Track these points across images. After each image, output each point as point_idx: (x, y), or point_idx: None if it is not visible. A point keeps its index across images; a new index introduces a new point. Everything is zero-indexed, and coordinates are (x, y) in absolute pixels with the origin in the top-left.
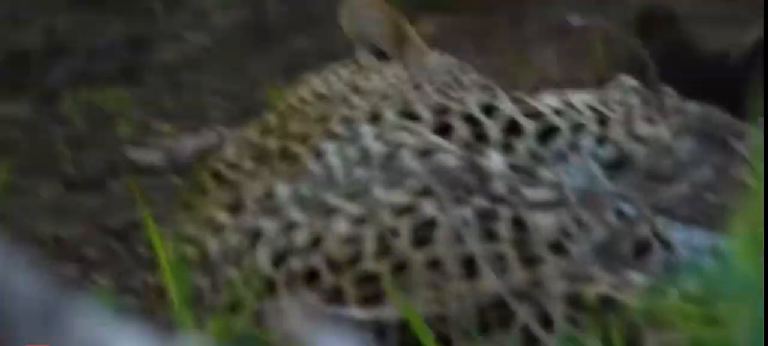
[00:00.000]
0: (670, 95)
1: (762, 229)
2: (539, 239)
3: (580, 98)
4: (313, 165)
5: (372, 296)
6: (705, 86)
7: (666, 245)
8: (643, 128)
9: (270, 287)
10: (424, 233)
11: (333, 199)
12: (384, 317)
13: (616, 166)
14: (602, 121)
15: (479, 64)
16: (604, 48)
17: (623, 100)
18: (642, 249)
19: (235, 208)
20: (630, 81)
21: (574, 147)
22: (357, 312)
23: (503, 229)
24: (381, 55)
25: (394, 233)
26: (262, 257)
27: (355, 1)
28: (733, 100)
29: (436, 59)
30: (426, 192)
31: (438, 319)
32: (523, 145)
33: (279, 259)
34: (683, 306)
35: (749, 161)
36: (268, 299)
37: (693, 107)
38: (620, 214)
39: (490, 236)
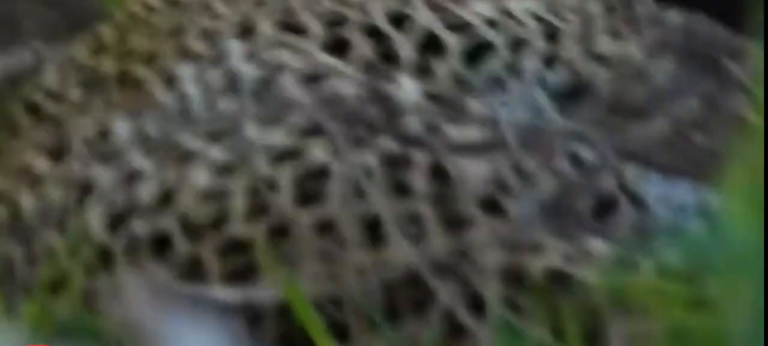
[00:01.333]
0: (644, 1)
1: (764, 180)
2: (467, 194)
3: (522, 5)
4: (162, 94)
5: (242, 271)
6: None
7: (637, 201)
8: (606, 45)
9: (105, 259)
10: (312, 186)
11: (190, 140)
12: (258, 299)
13: (571, 95)
14: (551, 35)
15: None
16: None
17: (579, 6)
18: (605, 207)
19: (58, 152)
20: None
21: (514, 70)
22: (221, 292)
23: (418, 180)
24: None
25: (272, 185)
26: (94, 217)
27: None
28: (727, 8)
29: None
30: (314, 131)
31: (330, 301)
32: (445, 68)
33: (117, 221)
34: (660, 284)
35: (749, 90)
36: (101, 275)
37: (674, 17)
38: (576, 160)
39: (402, 190)
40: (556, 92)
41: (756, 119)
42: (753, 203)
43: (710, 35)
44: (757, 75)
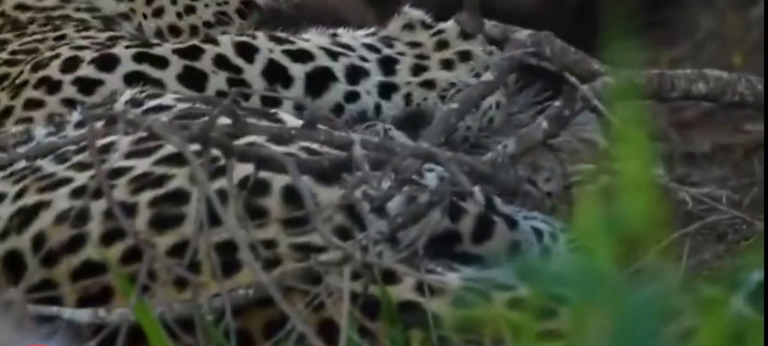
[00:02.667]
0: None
1: (619, 206)
2: (317, 219)
3: (355, 36)
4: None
5: (96, 295)
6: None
7: (511, 222)
8: (438, 73)
9: None
10: (169, 209)
11: (52, 165)
12: (109, 321)
13: (408, 122)
14: (387, 65)
15: None
16: None
17: (413, 39)
18: (483, 229)
19: None
20: (416, 13)
21: (353, 98)
22: (73, 313)
23: (274, 205)
24: None
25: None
26: None
27: None
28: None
29: None
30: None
31: (182, 323)
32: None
33: None
34: (512, 315)
35: (601, 111)
36: None
37: (521, 36)
38: (425, 182)
39: (257, 214)
40: (395, 120)
41: (604, 142)
42: (607, 229)
43: (561, 54)
44: (610, 96)
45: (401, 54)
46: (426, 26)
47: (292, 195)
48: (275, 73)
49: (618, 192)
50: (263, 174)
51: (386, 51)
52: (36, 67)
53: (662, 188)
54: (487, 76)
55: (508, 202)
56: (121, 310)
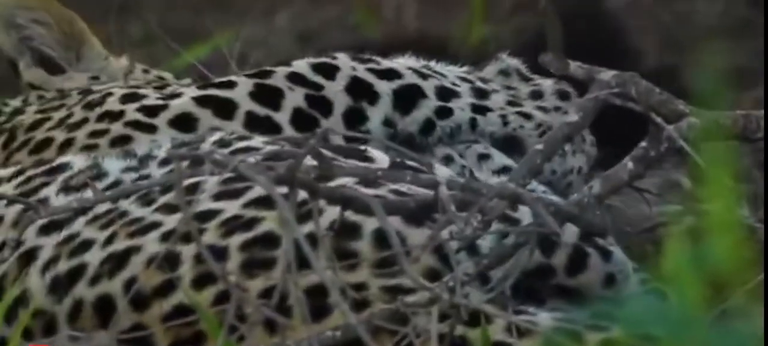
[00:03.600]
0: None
1: (705, 247)
2: (405, 261)
3: (448, 68)
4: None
5: (188, 338)
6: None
7: (606, 253)
8: (532, 110)
9: (47, 325)
10: (259, 253)
11: (138, 207)
12: None
13: (508, 145)
14: (481, 93)
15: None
16: None
17: (507, 84)
18: (577, 262)
19: None
20: (512, 61)
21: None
22: None
23: (362, 245)
24: (50, 65)
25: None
26: (36, 282)
27: (8, 0)
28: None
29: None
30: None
31: None
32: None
33: (59, 285)
34: None
35: (686, 152)
36: (41, 340)
37: (606, 76)
38: (511, 220)
39: (346, 257)
40: (493, 138)
41: (689, 183)
42: (692, 273)
43: (646, 95)
44: (695, 137)
45: (495, 91)
46: (521, 75)
47: (382, 238)
48: (360, 90)
49: (704, 233)
50: (354, 217)
51: (479, 84)
52: (89, 106)
53: (748, 228)
54: (572, 117)
55: None
56: None
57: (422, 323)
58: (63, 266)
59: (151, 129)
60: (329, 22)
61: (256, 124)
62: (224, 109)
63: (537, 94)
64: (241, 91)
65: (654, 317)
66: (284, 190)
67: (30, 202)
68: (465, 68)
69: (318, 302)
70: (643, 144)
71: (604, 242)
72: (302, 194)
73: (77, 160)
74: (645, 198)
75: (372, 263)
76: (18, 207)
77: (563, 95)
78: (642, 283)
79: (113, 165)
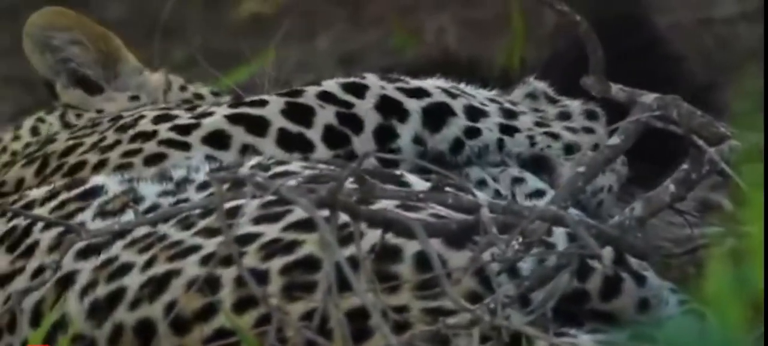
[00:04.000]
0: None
1: (747, 269)
2: (446, 283)
3: (476, 90)
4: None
5: None
6: (668, 73)
7: (639, 278)
8: (560, 130)
9: None
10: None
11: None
12: None
13: (536, 165)
14: (509, 114)
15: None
16: (524, 19)
17: (535, 106)
18: (610, 289)
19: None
20: (539, 84)
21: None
22: None
23: (404, 268)
24: (88, 85)
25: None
26: (74, 306)
27: (40, 22)
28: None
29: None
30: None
31: None
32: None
33: (98, 309)
34: None
35: (729, 174)
36: None
37: (648, 99)
38: (571, 238)
39: (387, 279)
40: (520, 159)
41: (731, 206)
42: (734, 295)
43: (687, 117)
44: (736, 160)
45: (523, 112)
46: (549, 98)
47: (423, 261)
48: (389, 108)
49: (745, 255)
50: (395, 240)
51: (508, 105)
52: (122, 129)
53: None
54: (614, 140)
55: None
56: None
57: (463, 345)
58: (102, 290)
59: (184, 147)
60: (370, 45)
61: (288, 141)
62: (257, 126)
63: (565, 116)
64: (273, 109)
65: (694, 339)
66: (325, 213)
67: (72, 224)
68: (493, 92)
69: (359, 324)
70: (685, 166)
71: (638, 266)
72: (343, 217)
73: (111, 183)
74: (687, 220)
75: (413, 286)
76: (55, 231)
77: (591, 115)
78: (681, 304)
79: (149, 189)
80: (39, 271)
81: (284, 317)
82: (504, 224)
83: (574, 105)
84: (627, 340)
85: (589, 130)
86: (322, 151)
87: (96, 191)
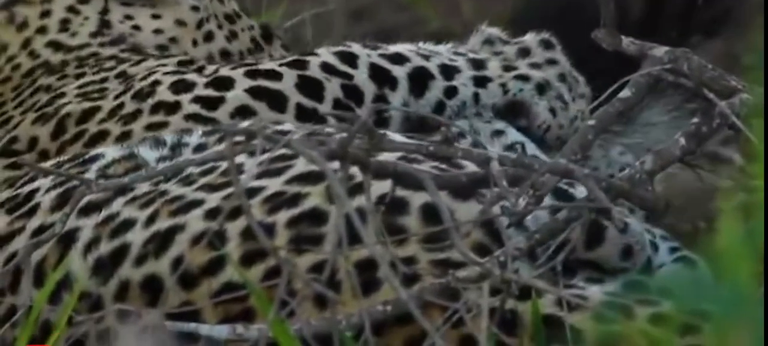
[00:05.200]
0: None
1: (757, 224)
2: (456, 235)
3: (437, 46)
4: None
5: (237, 315)
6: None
7: (624, 228)
8: (528, 71)
9: (93, 307)
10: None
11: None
12: (248, 336)
13: (511, 112)
14: (477, 64)
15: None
16: None
17: (494, 51)
18: (595, 236)
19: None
20: (492, 30)
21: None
22: (212, 329)
23: (411, 220)
24: None
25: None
26: (78, 264)
27: None
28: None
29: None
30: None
31: (320, 340)
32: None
33: (103, 266)
34: (654, 330)
35: (739, 128)
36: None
37: (659, 52)
38: (565, 196)
39: (396, 232)
40: (495, 108)
41: (742, 160)
42: (749, 248)
43: (698, 71)
44: (748, 113)
45: (488, 59)
46: (504, 41)
47: (430, 212)
48: (381, 76)
49: (756, 209)
50: (402, 192)
51: (472, 55)
52: (140, 97)
53: None
54: (625, 93)
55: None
56: (260, 326)
57: (473, 298)
58: (105, 247)
59: (213, 122)
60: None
61: (304, 116)
62: (277, 101)
63: (525, 52)
64: (288, 83)
65: (706, 293)
66: (335, 165)
67: (81, 176)
68: (450, 45)
69: (367, 276)
70: (695, 120)
71: (619, 213)
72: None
73: (109, 150)
74: (698, 174)
75: (420, 238)
76: (54, 193)
77: (548, 45)
78: (672, 252)
79: (148, 154)
80: (39, 230)
81: (291, 265)
82: (514, 176)
83: (529, 38)
84: (637, 292)
85: (551, 62)
86: (332, 125)
87: (95, 158)
